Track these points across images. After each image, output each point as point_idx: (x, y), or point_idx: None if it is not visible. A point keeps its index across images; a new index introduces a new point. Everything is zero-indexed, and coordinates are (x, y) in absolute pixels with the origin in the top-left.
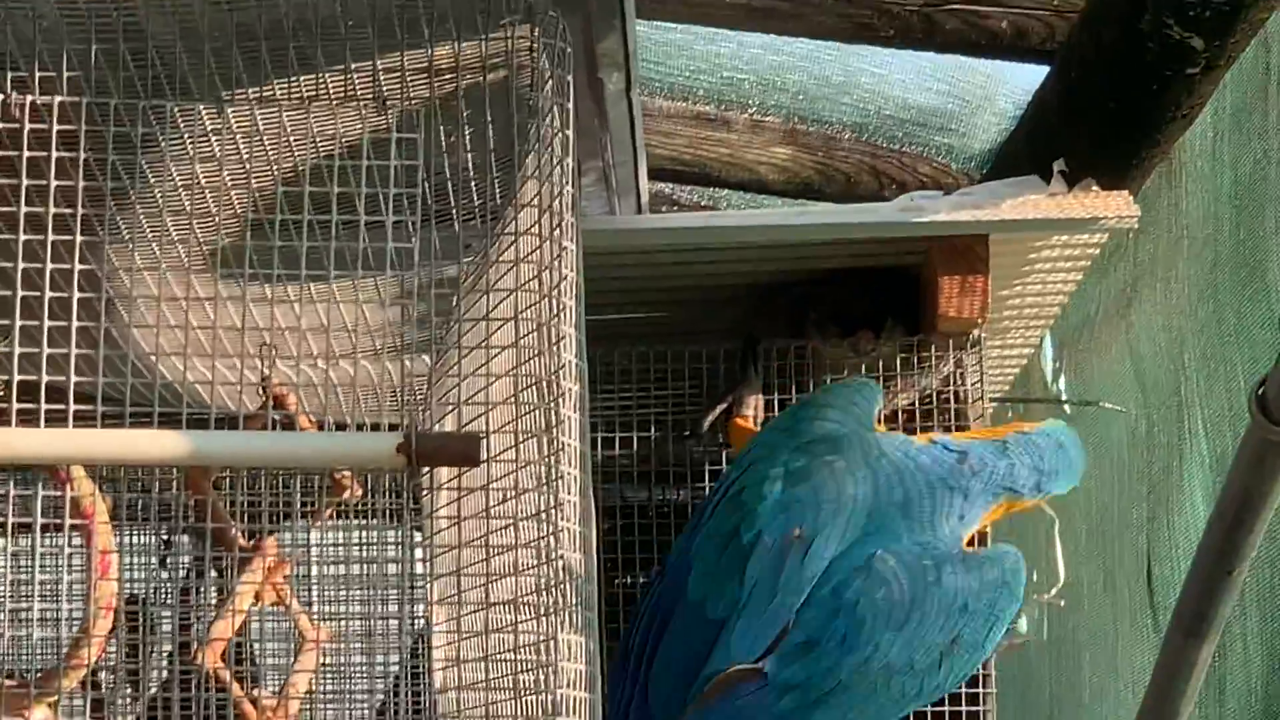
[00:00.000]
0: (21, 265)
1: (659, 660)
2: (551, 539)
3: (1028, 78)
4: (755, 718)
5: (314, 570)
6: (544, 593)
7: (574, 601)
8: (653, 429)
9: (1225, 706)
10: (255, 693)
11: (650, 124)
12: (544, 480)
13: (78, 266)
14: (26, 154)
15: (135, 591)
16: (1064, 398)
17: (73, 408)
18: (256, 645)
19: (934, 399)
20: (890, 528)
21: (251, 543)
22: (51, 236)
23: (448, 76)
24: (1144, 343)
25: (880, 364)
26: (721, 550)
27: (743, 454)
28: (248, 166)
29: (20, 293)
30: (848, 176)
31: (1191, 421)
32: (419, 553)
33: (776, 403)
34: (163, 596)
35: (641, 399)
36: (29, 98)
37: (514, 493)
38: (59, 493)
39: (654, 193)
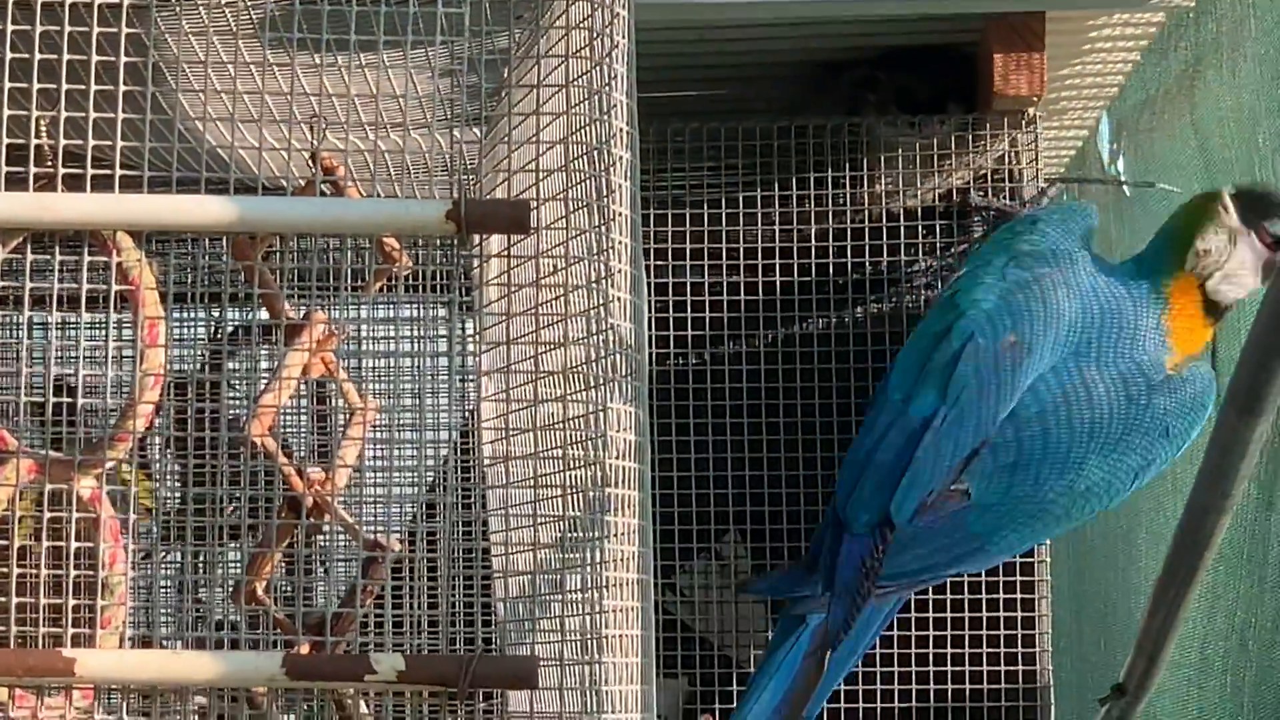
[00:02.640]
0: (68, 29)
1: (852, 451)
2: (603, 309)
3: None
4: (953, 535)
5: (362, 343)
6: (594, 363)
7: (625, 371)
8: (706, 207)
9: None
10: (302, 464)
11: None
12: (595, 249)
13: (124, 30)
14: None
15: (182, 363)
16: (1122, 179)
17: (119, 173)
18: (304, 417)
19: (988, 178)
20: (1099, 346)
21: (300, 314)
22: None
23: None
24: (1210, 123)
25: (935, 144)
26: (930, 351)
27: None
28: None
29: (66, 57)
30: None
31: None
32: (468, 324)
33: (830, 180)
34: (209, 367)
35: (695, 176)
36: None
37: (565, 262)
38: (105, 260)
39: None
